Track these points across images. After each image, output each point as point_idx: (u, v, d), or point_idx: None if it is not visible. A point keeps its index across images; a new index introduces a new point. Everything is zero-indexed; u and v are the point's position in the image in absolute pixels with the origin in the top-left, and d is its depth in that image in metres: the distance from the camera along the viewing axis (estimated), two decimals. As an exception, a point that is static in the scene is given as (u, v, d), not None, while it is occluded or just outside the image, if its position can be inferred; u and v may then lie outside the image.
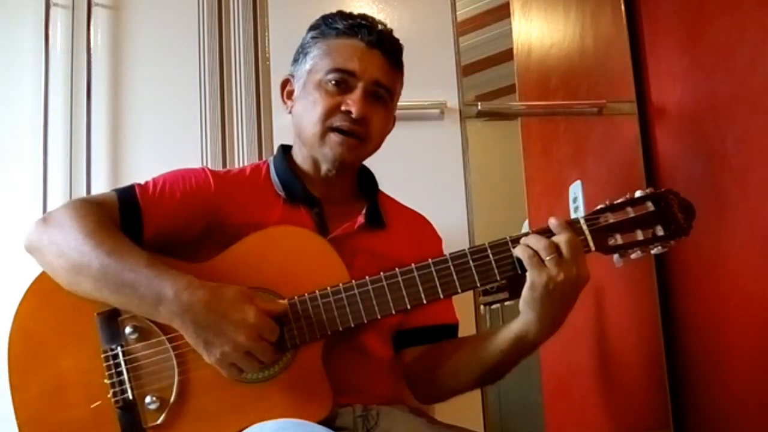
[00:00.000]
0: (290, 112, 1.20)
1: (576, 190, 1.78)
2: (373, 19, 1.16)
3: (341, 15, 1.16)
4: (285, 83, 1.23)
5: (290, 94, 1.21)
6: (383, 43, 1.14)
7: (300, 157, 1.20)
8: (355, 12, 1.18)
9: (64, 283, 0.99)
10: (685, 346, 1.64)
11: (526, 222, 1.79)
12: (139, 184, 1.10)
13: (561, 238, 0.97)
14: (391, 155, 1.62)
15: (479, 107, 1.71)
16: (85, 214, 1.00)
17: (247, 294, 0.95)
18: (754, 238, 1.39)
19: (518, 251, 0.98)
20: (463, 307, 1.53)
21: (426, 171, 1.68)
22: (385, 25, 1.17)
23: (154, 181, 1.11)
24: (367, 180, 1.25)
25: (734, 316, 1.46)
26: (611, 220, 1.01)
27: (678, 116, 1.66)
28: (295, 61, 1.20)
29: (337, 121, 1.11)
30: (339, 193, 1.20)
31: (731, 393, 1.47)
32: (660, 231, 1.01)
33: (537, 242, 0.97)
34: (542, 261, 0.96)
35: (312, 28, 1.19)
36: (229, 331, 0.91)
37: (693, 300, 1.62)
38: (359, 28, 1.13)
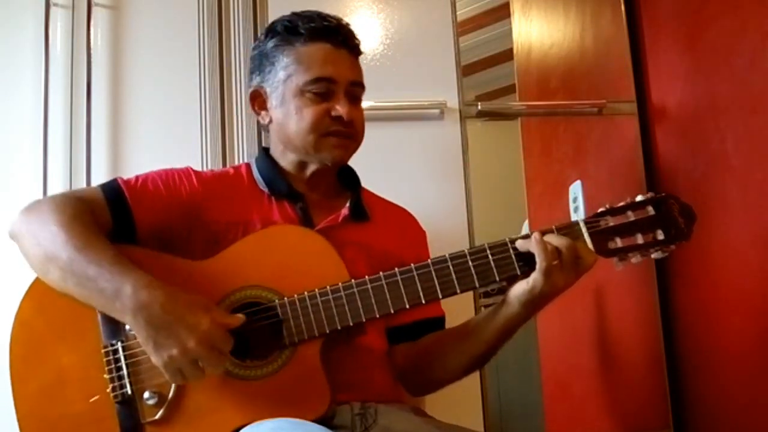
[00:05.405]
0: (268, 122, 1.20)
1: (576, 190, 1.78)
2: (329, 16, 1.18)
3: (300, 18, 1.16)
4: (255, 95, 1.21)
5: (262, 105, 1.20)
6: (347, 41, 1.17)
7: (283, 159, 1.21)
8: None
9: (37, 271, 1.01)
10: (685, 346, 1.64)
11: (526, 222, 1.78)
12: (122, 178, 1.12)
13: (591, 259, 0.99)
14: (391, 155, 1.64)
15: (479, 107, 1.71)
16: (64, 208, 1.01)
17: (204, 302, 0.94)
18: (754, 238, 1.39)
19: (540, 251, 0.97)
20: (464, 309, 1.53)
21: (426, 171, 1.68)
22: (340, 20, 1.19)
23: (137, 176, 1.13)
24: (348, 175, 1.26)
25: (734, 316, 1.46)
26: (611, 224, 1.02)
27: (678, 116, 1.66)
28: (259, 71, 1.19)
29: (332, 127, 1.14)
30: (322, 189, 1.22)
31: (731, 393, 1.47)
32: (660, 235, 1.01)
33: (564, 243, 0.98)
34: (555, 268, 0.97)
35: (271, 34, 1.18)
36: (181, 334, 0.90)
37: (693, 300, 1.62)
38: (324, 31, 1.15)
